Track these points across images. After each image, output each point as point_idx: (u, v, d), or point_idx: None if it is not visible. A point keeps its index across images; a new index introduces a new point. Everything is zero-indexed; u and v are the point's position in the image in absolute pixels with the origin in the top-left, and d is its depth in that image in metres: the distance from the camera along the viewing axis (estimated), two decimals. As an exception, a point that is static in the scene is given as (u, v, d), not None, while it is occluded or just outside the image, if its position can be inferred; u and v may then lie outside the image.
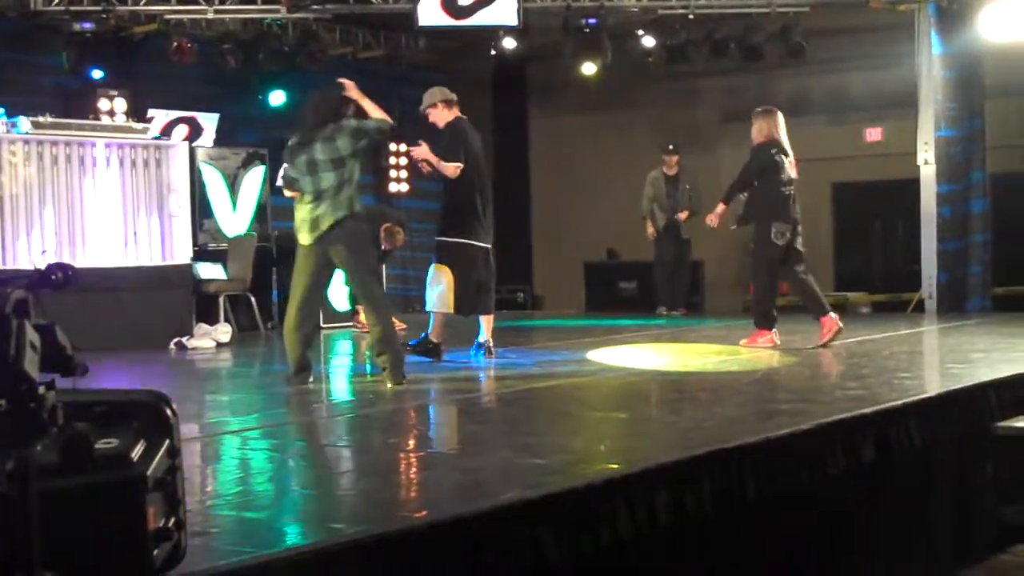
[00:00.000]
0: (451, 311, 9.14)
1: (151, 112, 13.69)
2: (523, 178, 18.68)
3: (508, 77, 17.91)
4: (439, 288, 9.11)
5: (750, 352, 9.47)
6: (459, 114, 9.45)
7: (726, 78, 16.59)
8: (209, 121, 14.47)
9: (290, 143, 7.85)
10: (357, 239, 7.66)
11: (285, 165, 7.97)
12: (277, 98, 15.23)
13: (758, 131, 9.79)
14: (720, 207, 9.94)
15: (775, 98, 16.05)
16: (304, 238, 7.70)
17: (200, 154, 13.61)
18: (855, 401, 6.28)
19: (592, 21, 13.92)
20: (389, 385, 7.48)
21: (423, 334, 9.29)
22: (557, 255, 17.89)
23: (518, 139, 18.64)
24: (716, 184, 15.79)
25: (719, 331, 11.75)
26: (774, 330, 9.74)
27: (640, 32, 14.80)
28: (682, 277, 14.57)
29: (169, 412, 2.93)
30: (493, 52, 15.14)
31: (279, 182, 8.33)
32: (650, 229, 14.58)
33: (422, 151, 9.16)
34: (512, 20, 13.65)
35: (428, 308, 9.25)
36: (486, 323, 9.37)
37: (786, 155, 9.75)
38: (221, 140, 14.52)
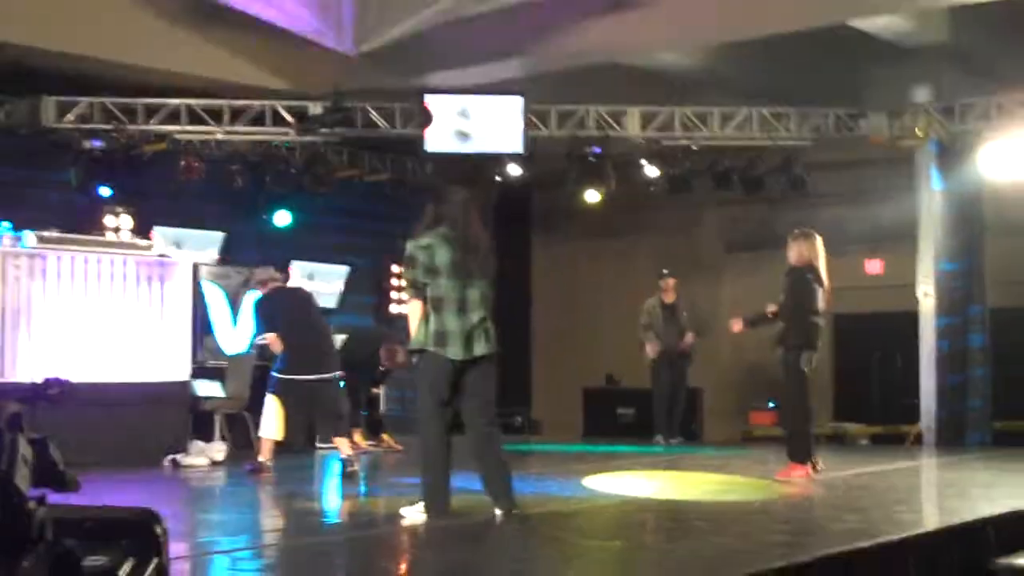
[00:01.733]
0: (279, 437, 10.38)
1: (156, 229, 13.77)
2: (524, 303, 18.76)
3: (512, 203, 18.07)
4: (268, 415, 10.37)
5: (748, 481, 9.41)
6: (275, 286, 11.00)
7: (728, 208, 16.74)
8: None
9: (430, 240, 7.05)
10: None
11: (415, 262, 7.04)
12: (282, 218, 15.34)
13: (797, 255, 9.51)
14: (740, 325, 9.88)
15: (776, 229, 16.17)
16: (455, 351, 6.96)
17: (203, 272, 13.65)
18: (853, 534, 6.21)
19: (596, 150, 14.09)
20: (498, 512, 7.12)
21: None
22: (556, 380, 17.87)
23: (521, 264, 18.75)
24: (718, 314, 15.86)
25: (717, 460, 11.67)
26: (809, 463, 9.44)
27: (643, 161, 14.95)
28: (678, 404, 14.45)
29: (159, 530, 2.91)
30: (498, 178, 15.29)
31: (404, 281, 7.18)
32: (649, 349, 14.33)
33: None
34: (518, 147, 13.83)
35: (259, 433, 10.56)
36: (340, 444, 10.30)
37: (821, 284, 9.54)
38: (225, 258, 14.58)
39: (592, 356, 17.32)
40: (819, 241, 9.56)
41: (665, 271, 14.55)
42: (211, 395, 12.61)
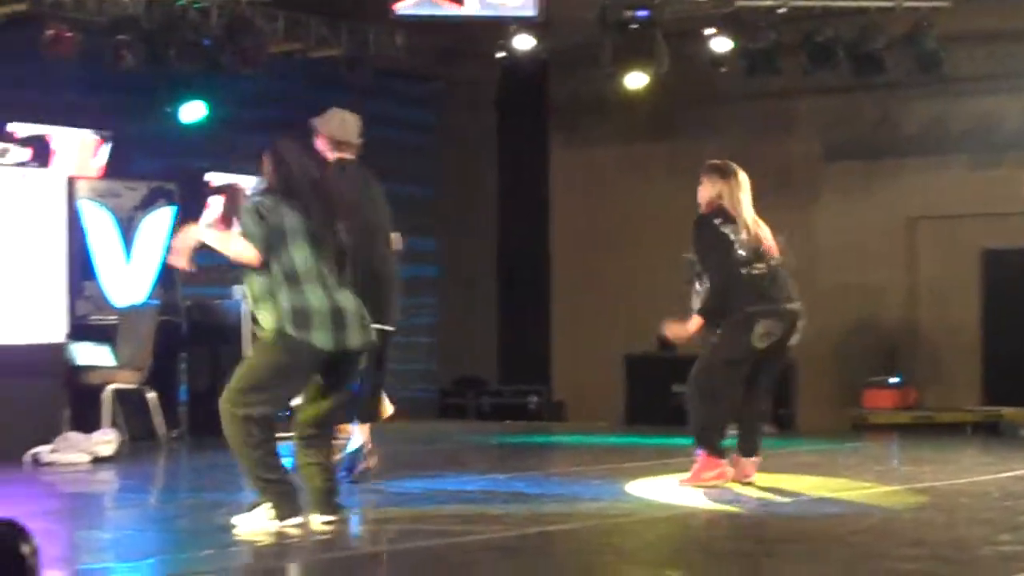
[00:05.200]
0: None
1: (11, 128, 13.75)
2: (540, 233, 18.72)
3: (521, 91, 18.01)
4: None
5: (860, 486, 9.45)
6: (345, 156, 9.87)
7: (831, 98, 16.67)
8: (70, 141, 14.43)
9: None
10: None
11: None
12: (193, 112, 15.29)
13: (703, 198, 9.91)
14: (695, 322, 9.86)
15: (900, 128, 16.16)
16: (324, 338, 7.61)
17: (82, 188, 13.64)
18: (1010, 560, 6.28)
19: (642, 14, 14.03)
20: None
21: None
22: (586, 345, 17.87)
23: (534, 178, 18.71)
24: (814, 245, 15.85)
25: (816, 456, 11.71)
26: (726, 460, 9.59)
27: (710, 31, 14.89)
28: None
29: (26, 549, 2.92)
30: (501, 55, 15.22)
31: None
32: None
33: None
34: (528, 10, 13.75)
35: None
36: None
37: (743, 226, 9.74)
38: (114, 169, 14.56)
39: (637, 311, 17.30)
40: (738, 176, 9.86)
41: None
42: (96, 364, 12.61)
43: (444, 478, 9.68)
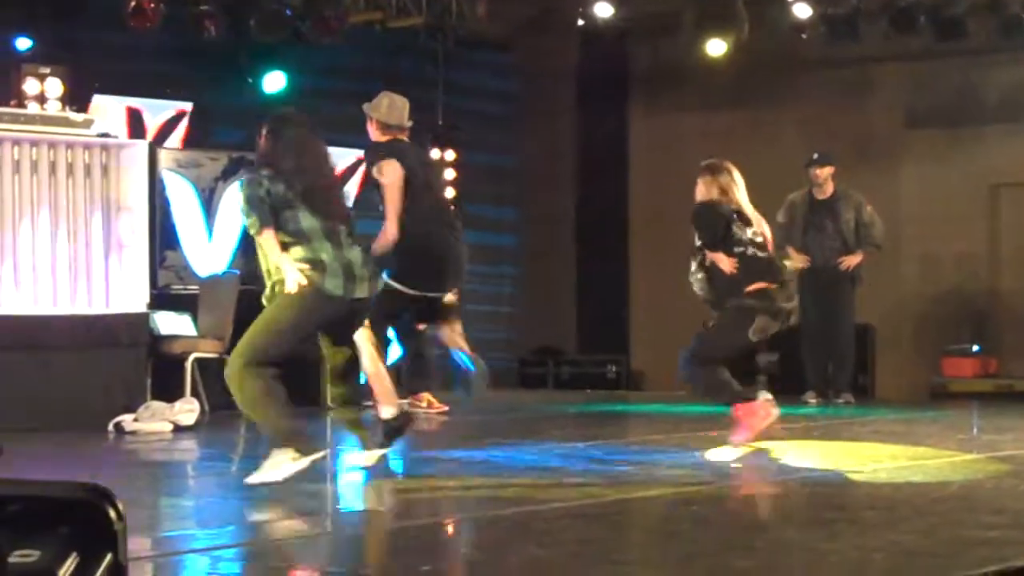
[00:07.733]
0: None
1: (97, 99, 13.85)
2: (619, 202, 18.71)
3: (601, 59, 17.99)
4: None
5: (940, 454, 9.43)
6: (397, 139, 10.02)
7: (913, 65, 16.57)
8: (153, 111, 14.52)
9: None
10: None
11: None
12: (274, 82, 15.36)
13: (700, 194, 9.94)
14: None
15: (981, 95, 16.01)
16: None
17: (165, 159, 13.72)
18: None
19: (722, -20, 14.01)
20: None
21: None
22: (665, 315, 17.86)
23: (613, 146, 18.69)
24: (895, 213, 15.77)
25: (895, 424, 11.66)
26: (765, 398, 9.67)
27: (790, -3, 14.84)
28: (840, 347, 14.29)
29: (113, 514, 2.95)
30: (581, 22, 15.20)
31: None
32: (796, 262, 13.90)
33: None
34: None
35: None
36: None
37: (742, 218, 9.82)
38: (195, 139, 14.65)
39: (716, 278, 17.27)
40: (733, 173, 9.89)
41: (815, 155, 14.23)
42: (178, 333, 12.71)
43: (524, 446, 9.72)
